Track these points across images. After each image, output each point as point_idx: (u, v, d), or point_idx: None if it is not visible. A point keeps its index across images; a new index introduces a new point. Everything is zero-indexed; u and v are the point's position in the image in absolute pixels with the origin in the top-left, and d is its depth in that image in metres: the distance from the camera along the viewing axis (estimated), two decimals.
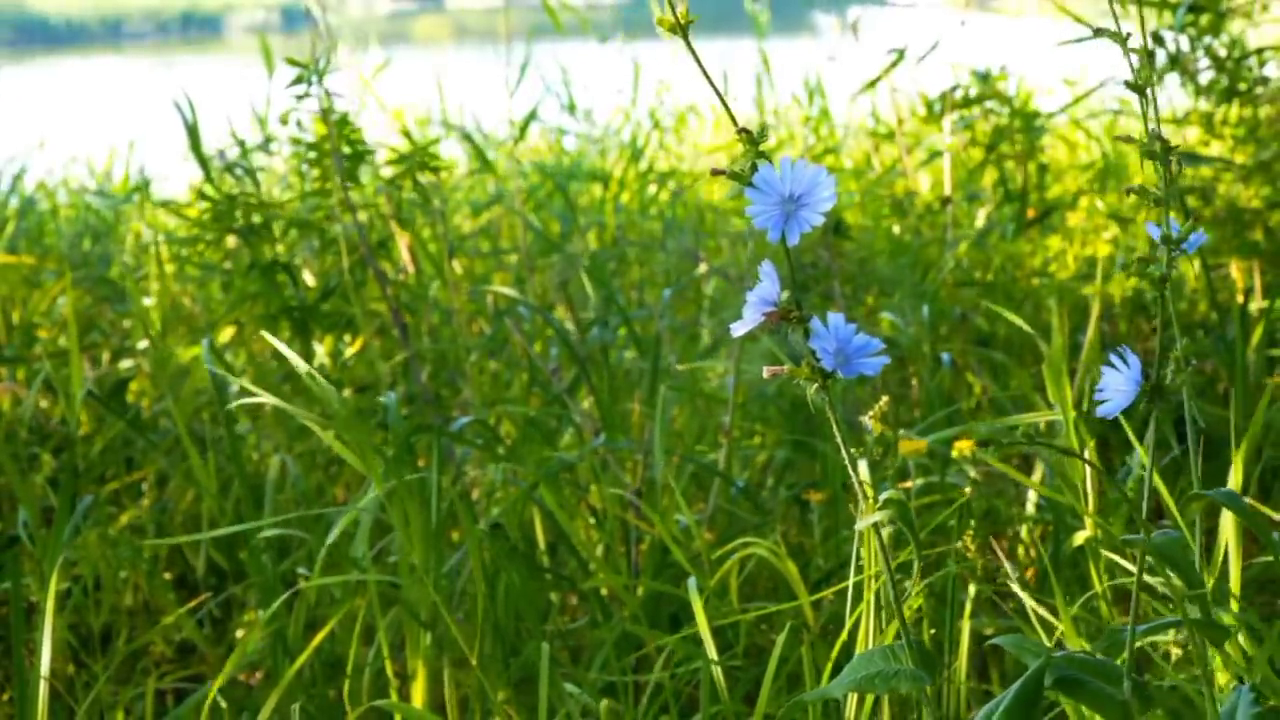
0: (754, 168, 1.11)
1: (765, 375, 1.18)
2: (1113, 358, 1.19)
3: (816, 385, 1.14)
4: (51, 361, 2.70)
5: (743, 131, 1.11)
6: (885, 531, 1.23)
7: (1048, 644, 1.63)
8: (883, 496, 1.18)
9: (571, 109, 4.84)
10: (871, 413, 1.39)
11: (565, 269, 3.22)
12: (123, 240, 3.82)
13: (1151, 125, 1.17)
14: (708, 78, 1.14)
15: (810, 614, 1.84)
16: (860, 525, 1.16)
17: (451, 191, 3.37)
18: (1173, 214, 1.16)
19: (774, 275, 1.13)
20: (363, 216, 2.73)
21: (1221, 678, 1.45)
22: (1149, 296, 2.94)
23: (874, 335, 1.16)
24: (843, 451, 1.18)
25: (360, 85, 3.84)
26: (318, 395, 1.73)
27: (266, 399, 1.75)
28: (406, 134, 2.80)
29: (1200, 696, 1.51)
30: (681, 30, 1.11)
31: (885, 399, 1.42)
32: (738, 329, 1.15)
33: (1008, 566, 1.70)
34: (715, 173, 1.15)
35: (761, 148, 1.12)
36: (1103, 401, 1.19)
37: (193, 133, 2.75)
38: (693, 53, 1.12)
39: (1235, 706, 1.20)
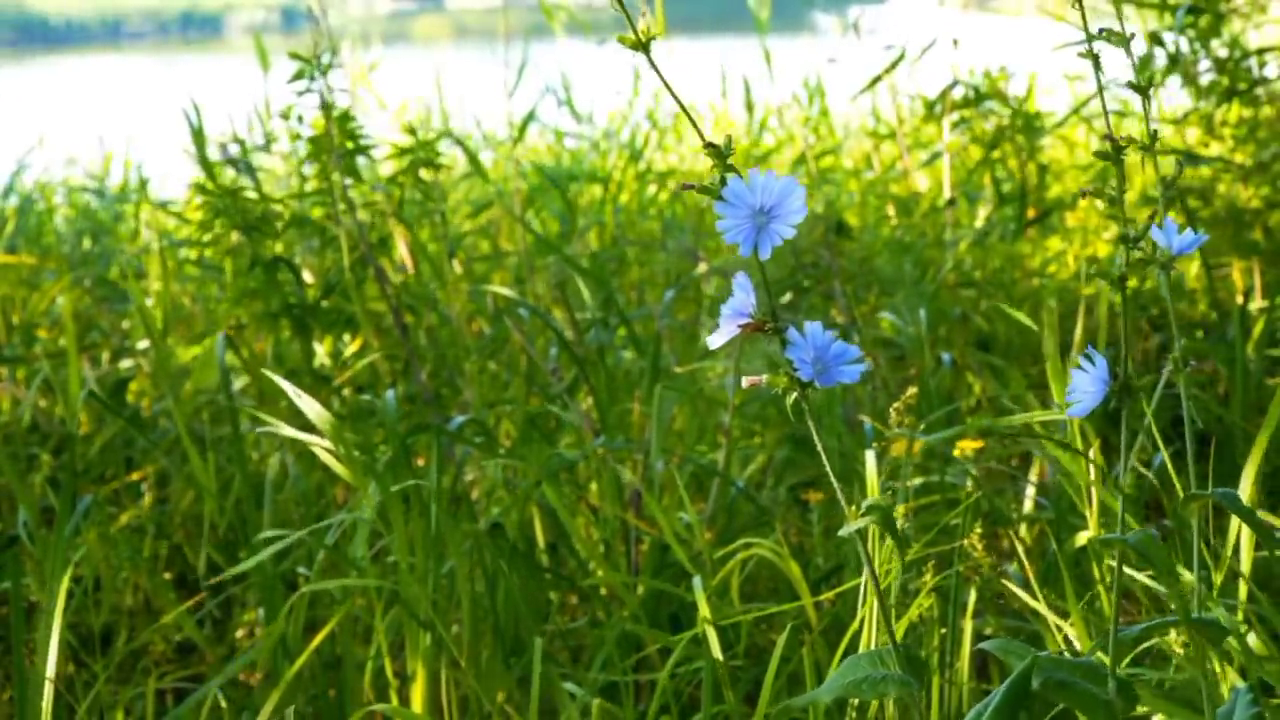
0: (723, 181, 1.10)
1: (744, 385, 1.17)
2: (1080, 358, 1.19)
3: (795, 394, 1.13)
4: (51, 361, 2.70)
5: (709, 146, 1.10)
6: (883, 540, 1.23)
7: (1052, 644, 1.63)
8: (866, 503, 1.17)
9: (571, 109, 4.84)
10: (896, 405, 1.38)
11: (560, 270, 3.21)
12: (123, 240, 3.82)
13: (1128, 130, 1.17)
14: (673, 93, 1.13)
15: (813, 614, 1.84)
16: (845, 531, 1.16)
17: (450, 191, 3.37)
18: (1172, 214, 1.17)
19: (748, 286, 1.13)
20: (363, 215, 2.73)
21: (1229, 676, 1.44)
22: (1143, 296, 2.94)
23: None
24: (823, 458, 1.17)
25: (360, 83, 3.84)
26: (316, 404, 1.73)
27: (273, 423, 1.75)
28: (411, 130, 2.80)
29: (1199, 696, 1.51)
30: (643, 47, 1.11)
31: (913, 390, 1.42)
32: (713, 341, 1.15)
33: (1005, 567, 1.70)
34: (685, 188, 1.13)
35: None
36: (1074, 403, 1.18)
37: (198, 137, 2.75)
38: (655, 69, 1.12)
39: (1233, 707, 1.20)
